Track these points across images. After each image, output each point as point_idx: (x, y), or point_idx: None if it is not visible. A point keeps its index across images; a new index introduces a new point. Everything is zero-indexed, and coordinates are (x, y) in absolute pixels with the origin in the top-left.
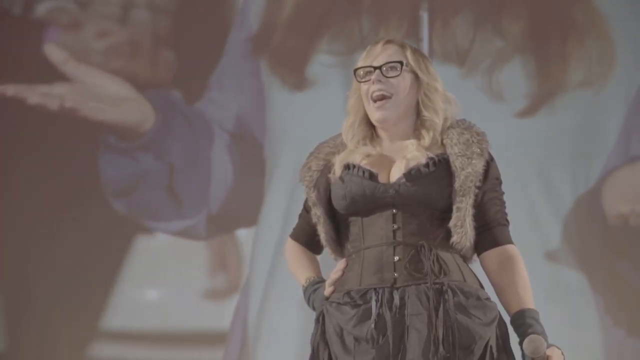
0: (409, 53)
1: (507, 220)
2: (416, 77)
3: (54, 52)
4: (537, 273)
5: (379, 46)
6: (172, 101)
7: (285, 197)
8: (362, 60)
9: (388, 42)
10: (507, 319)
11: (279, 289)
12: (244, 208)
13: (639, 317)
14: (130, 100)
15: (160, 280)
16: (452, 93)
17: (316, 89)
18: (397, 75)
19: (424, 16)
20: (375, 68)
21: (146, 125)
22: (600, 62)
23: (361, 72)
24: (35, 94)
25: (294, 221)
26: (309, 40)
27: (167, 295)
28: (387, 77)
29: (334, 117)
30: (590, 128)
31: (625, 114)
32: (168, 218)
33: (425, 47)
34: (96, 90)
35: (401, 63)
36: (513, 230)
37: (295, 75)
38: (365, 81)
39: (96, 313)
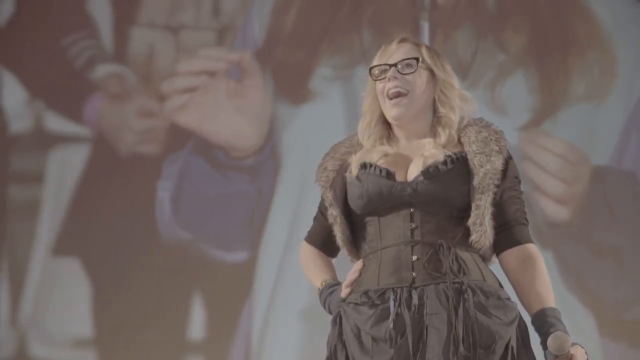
0: (424, 50)
1: (527, 220)
2: (432, 74)
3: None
4: None
5: (394, 45)
6: None
7: (290, 209)
8: (377, 59)
9: (402, 40)
10: (527, 320)
11: (283, 303)
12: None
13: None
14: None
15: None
16: None
17: (319, 101)
18: (413, 72)
19: (425, 26)
20: (390, 65)
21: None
22: (602, 76)
23: (376, 70)
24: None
25: (299, 232)
26: (311, 54)
27: None
28: (402, 74)
29: (336, 129)
30: (591, 141)
31: (621, 128)
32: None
33: None
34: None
35: (417, 59)
36: None
37: (299, 89)
38: (381, 79)
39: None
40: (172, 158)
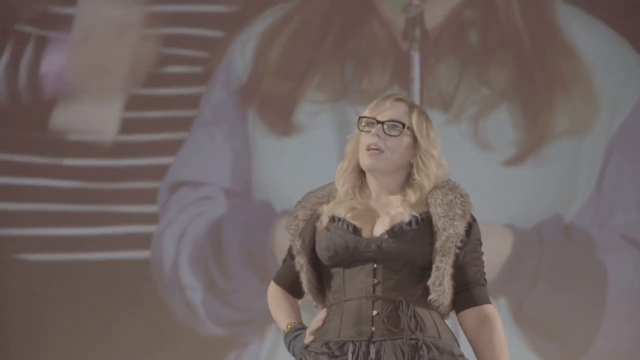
0: (414, 116)
1: (485, 280)
2: (415, 140)
3: None
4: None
5: (389, 101)
6: None
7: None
8: (368, 110)
9: (398, 99)
10: None
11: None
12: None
13: None
14: None
15: None
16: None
17: (302, 134)
18: (397, 136)
19: (415, 56)
20: (378, 122)
21: None
22: (585, 111)
23: (364, 121)
24: None
25: None
26: (294, 87)
27: None
28: (386, 134)
29: (320, 162)
30: (575, 175)
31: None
32: None
33: (416, 87)
34: None
35: (403, 125)
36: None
37: (283, 122)
38: (366, 131)
39: None
40: None
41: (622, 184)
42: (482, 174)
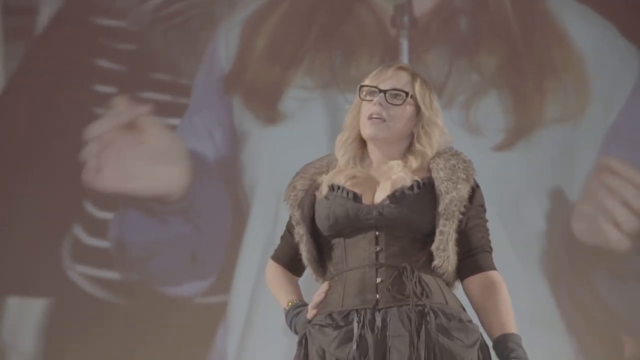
0: (417, 84)
1: (491, 247)
2: (418, 109)
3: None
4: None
5: (391, 70)
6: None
7: (265, 230)
8: (369, 79)
9: (400, 68)
10: (490, 344)
11: (261, 320)
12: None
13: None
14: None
15: None
16: None
17: (289, 122)
18: (399, 105)
19: (404, 43)
20: (380, 90)
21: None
22: (576, 98)
23: (365, 90)
24: None
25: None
26: (281, 74)
27: None
28: (389, 103)
29: (308, 148)
30: (566, 162)
31: (598, 150)
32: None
33: None
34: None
35: (406, 94)
36: None
37: (269, 110)
38: (368, 100)
39: None
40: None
41: None
42: (474, 159)
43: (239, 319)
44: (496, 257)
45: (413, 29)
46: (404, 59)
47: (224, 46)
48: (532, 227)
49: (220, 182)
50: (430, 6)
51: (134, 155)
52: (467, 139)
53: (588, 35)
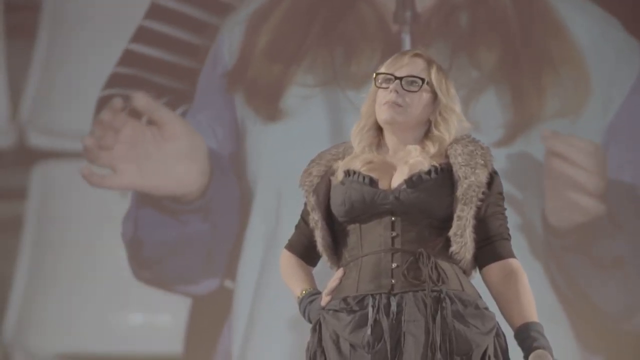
0: (434, 71)
1: (509, 235)
2: (435, 96)
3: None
4: None
5: (407, 57)
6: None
7: (267, 226)
8: (385, 67)
9: (416, 54)
10: (507, 332)
11: (264, 323)
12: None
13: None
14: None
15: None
16: None
17: (291, 119)
18: (416, 92)
19: (406, 38)
20: (396, 77)
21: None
22: (576, 92)
23: (381, 78)
24: None
25: (276, 250)
26: (283, 71)
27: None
28: (405, 90)
29: (309, 146)
30: None
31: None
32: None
33: None
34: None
35: (423, 80)
36: None
37: (270, 107)
38: (384, 88)
39: None
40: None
41: (623, 169)
42: None
43: (243, 314)
44: None
45: (415, 24)
46: None
47: (228, 43)
48: (535, 222)
49: (230, 178)
50: (432, 1)
51: (155, 152)
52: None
53: (587, 29)
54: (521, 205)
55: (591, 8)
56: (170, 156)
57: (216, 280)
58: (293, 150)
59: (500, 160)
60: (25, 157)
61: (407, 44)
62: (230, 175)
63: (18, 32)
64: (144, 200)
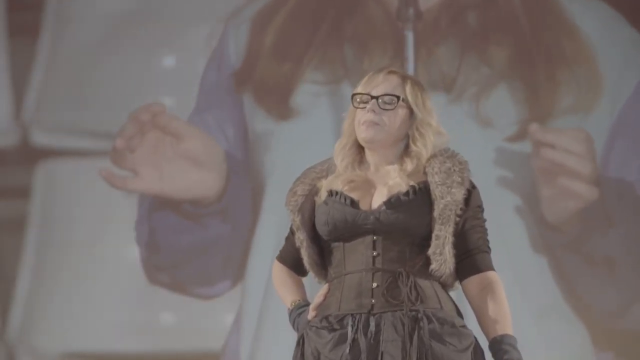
0: (408, 87)
1: (489, 247)
2: (411, 112)
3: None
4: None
5: (381, 76)
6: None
7: (277, 228)
8: (361, 87)
9: (390, 72)
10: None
11: (272, 323)
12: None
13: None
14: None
15: None
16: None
17: (301, 118)
18: (392, 109)
19: (409, 36)
20: (372, 97)
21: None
22: (588, 89)
23: (358, 98)
24: None
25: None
26: (292, 70)
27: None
28: (382, 108)
29: (320, 145)
30: None
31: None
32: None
33: (410, 67)
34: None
35: (398, 98)
36: (504, 253)
37: (280, 106)
38: (361, 108)
39: None
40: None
41: (629, 165)
42: (485, 151)
43: (252, 314)
44: (511, 248)
45: (418, 21)
46: (410, 51)
47: (233, 43)
48: (544, 217)
49: (243, 179)
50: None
51: (174, 158)
52: (478, 131)
53: (596, 26)
54: (537, 201)
55: (598, 4)
56: (189, 162)
57: (229, 282)
58: (305, 147)
59: (512, 155)
60: (29, 156)
61: (410, 41)
62: (243, 175)
63: (21, 31)
64: (161, 204)
